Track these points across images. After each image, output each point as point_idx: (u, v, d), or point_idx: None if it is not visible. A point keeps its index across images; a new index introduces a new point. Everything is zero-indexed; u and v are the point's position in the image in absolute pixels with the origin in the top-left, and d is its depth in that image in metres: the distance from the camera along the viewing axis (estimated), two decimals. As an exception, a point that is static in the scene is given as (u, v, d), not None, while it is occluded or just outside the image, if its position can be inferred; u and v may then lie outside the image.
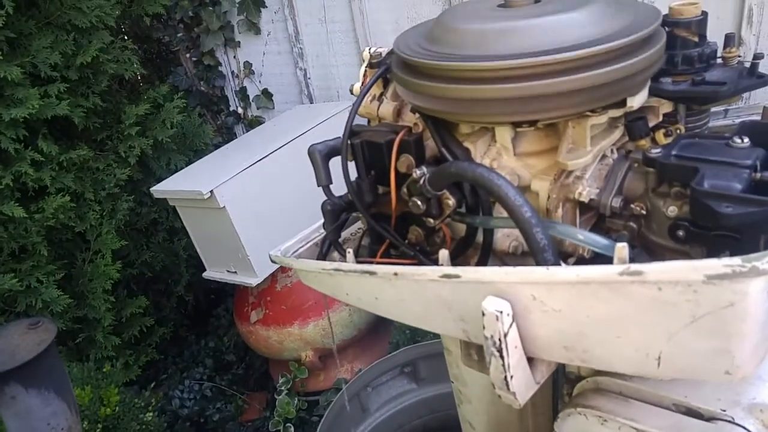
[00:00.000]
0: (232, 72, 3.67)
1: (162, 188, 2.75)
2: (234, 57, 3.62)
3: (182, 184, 2.70)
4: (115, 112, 2.99)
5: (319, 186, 1.08)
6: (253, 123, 3.67)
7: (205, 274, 2.99)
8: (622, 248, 0.70)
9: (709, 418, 0.84)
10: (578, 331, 0.76)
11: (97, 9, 2.68)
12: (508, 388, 0.82)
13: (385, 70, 1.02)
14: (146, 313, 3.19)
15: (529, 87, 0.75)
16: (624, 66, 0.77)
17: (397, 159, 0.94)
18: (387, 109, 1.05)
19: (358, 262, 1.07)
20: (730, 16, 2.55)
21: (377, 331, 3.16)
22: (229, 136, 3.77)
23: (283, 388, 2.94)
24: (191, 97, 3.62)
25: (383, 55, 1.06)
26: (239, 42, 3.54)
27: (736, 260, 0.58)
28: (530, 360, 0.89)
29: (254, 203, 2.68)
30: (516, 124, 0.85)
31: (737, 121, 1.05)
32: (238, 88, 3.70)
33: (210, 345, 3.63)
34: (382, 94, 1.07)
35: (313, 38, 3.37)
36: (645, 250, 0.91)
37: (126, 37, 3.27)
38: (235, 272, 2.85)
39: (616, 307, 0.70)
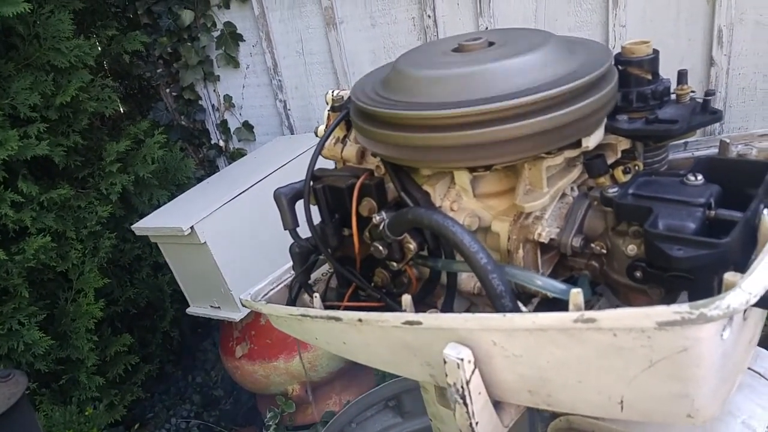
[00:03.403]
0: (213, 105, 3.67)
1: (143, 225, 2.73)
2: (214, 90, 3.62)
3: (163, 221, 2.68)
4: (96, 149, 2.98)
5: (285, 230, 1.08)
6: (235, 155, 3.67)
7: (188, 310, 2.96)
8: (576, 294, 0.69)
9: (679, 458, 0.83)
10: (540, 376, 0.76)
11: (76, 49, 2.68)
12: (474, 434, 0.82)
13: (346, 113, 1.02)
14: (131, 351, 3.15)
15: (478, 134, 0.75)
16: (575, 109, 0.78)
17: (358, 203, 0.94)
18: (350, 151, 1.05)
19: (326, 306, 1.07)
20: (701, 37, 2.58)
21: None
22: (211, 169, 3.76)
23: (270, 422, 2.90)
24: (172, 132, 3.61)
25: (345, 98, 1.06)
26: (218, 76, 3.55)
27: (685, 307, 0.58)
28: (498, 403, 0.89)
29: (235, 237, 2.66)
30: (472, 169, 0.85)
31: (696, 153, 1.05)
32: (218, 122, 3.69)
33: (197, 380, 3.59)
34: (345, 137, 1.07)
35: (291, 70, 3.38)
36: (609, 288, 0.91)
37: (107, 75, 3.28)
38: (219, 307, 2.82)
39: (575, 353, 0.70)
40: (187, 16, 3.29)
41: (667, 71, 0.96)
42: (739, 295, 0.57)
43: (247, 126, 3.64)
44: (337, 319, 0.93)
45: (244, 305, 1.17)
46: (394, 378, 2.40)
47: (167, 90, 3.63)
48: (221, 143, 3.75)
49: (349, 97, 1.07)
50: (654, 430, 0.85)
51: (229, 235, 2.64)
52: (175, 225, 2.54)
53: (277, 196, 1.06)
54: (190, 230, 2.51)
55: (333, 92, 1.09)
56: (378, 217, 0.88)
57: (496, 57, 0.83)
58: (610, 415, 0.74)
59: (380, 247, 0.91)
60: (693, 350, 0.61)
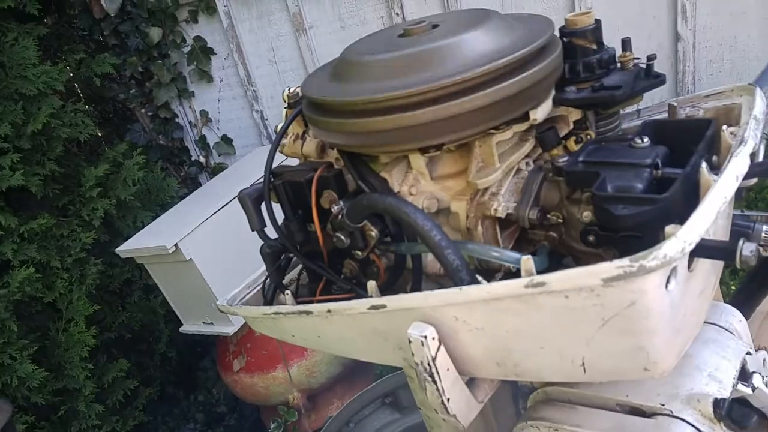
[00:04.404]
0: (190, 122, 3.68)
1: (127, 247, 2.73)
2: (189, 107, 3.63)
3: (146, 241, 2.68)
4: (75, 176, 2.97)
5: (253, 231, 1.09)
6: (217, 170, 3.67)
7: (182, 329, 2.96)
8: (527, 260, 0.70)
9: (651, 414, 0.84)
10: (504, 347, 0.77)
11: (44, 75, 2.66)
12: (447, 411, 0.82)
13: (300, 109, 1.03)
14: (129, 376, 3.13)
15: (420, 114, 0.76)
16: (516, 81, 0.79)
17: (319, 196, 0.95)
18: (310, 147, 1.06)
19: (299, 302, 1.08)
20: (665, 13, 2.61)
21: (363, 364, 3.14)
22: (194, 186, 3.76)
23: (275, 433, 2.90)
24: (152, 152, 3.61)
25: (300, 94, 1.07)
26: (193, 92, 3.56)
27: (625, 261, 0.59)
28: (472, 380, 0.90)
29: (221, 251, 2.66)
30: (423, 150, 0.86)
31: (649, 120, 1.07)
32: (197, 138, 3.70)
33: (199, 399, 3.57)
34: (304, 133, 1.08)
35: (265, 80, 3.40)
36: (573, 258, 0.92)
37: (82, 99, 3.27)
38: (212, 323, 2.82)
39: (532, 319, 0.71)
40: (155, 33, 3.29)
41: (638, 51, 0.96)
42: (675, 244, 0.58)
43: (226, 140, 3.65)
44: (308, 312, 0.94)
45: (220, 310, 1.17)
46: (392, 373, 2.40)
47: (142, 110, 3.63)
48: (202, 159, 3.76)
49: (304, 93, 1.08)
50: (625, 389, 0.86)
51: (214, 250, 2.64)
52: (159, 244, 2.54)
53: (241, 198, 1.06)
54: (174, 248, 2.51)
55: (289, 89, 1.10)
56: (336, 207, 0.90)
57: (437, 37, 0.84)
58: (576, 379, 0.75)
59: (342, 237, 0.92)
60: (640, 303, 0.62)
